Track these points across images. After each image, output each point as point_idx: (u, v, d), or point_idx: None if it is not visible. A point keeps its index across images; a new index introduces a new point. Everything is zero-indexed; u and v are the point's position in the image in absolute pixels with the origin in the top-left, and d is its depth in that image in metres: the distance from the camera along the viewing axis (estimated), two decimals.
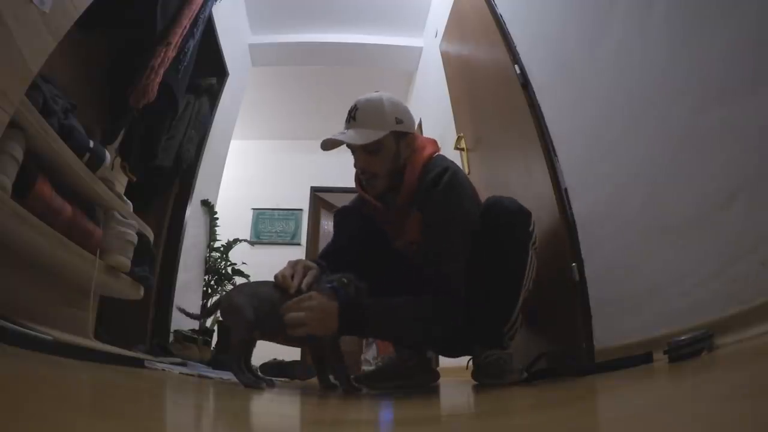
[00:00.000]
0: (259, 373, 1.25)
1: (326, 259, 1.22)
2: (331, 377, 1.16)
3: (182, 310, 1.22)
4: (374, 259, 1.19)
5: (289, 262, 1.14)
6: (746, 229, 0.74)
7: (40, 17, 0.92)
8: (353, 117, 1.18)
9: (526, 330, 1.26)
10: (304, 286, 1.06)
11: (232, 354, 1.06)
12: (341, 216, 1.35)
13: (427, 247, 1.14)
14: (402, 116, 1.19)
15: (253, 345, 1.11)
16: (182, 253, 2.68)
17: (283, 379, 1.81)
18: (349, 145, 1.18)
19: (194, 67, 2.19)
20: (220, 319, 1.18)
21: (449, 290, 1.05)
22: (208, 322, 3.02)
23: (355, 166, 1.22)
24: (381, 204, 1.23)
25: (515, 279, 1.11)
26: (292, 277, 1.08)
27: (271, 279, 1.12)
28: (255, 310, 1.04)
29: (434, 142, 1.27)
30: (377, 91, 1.22)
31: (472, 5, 2.23)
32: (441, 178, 1.12)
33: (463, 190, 1.14)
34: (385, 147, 1.17)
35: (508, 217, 1.11)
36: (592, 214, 1.26)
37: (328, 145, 1.19)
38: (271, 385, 1.09)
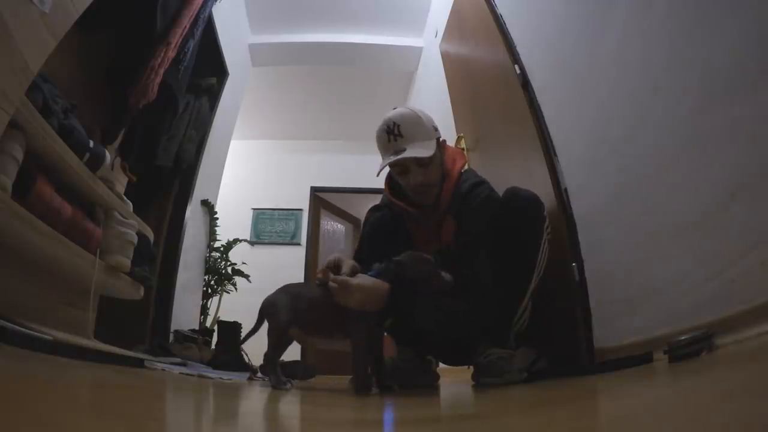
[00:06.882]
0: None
1: (357, 258, 1.25)
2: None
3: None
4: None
5: (327, 260, 1.17)
6: (746, 229, 0.74)
7: (40, 17, 0.92)
8: (399, 134, 1.17)
9: (528, 330, 1.26)
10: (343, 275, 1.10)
11: (268, 353, 1.10)
12: (372, 213, 1.38)
13: (460, 250, 1.17)
14: (435, 124, 1.24)
15: (289, 343, 1.15)
16: (182, 253, 2.68)
17: None
18: (397, 163, 1.17)
19: (194, 67, 2.19)
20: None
21: (481, 286, 1.09)
22: (208, 322, 3.03)
23: (411, 182, 1.20)
24: (413, 208, 1.26)
25: (529, 259, 1.15)
26: (332, 270, 1.11)
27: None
28: (294, 308, 1.08)
29: (462, 153, 1.34)
30: (395, 108, 1.23)
31: (472, 5, 2.23)
32: (477, 189, 1.19)
33: (496, 204, 1.20)
34: (435, 156, 1.19)
35: (525, 202, 1.18)
36: (592, 214, 1.26)
37: (393, 166, 1.19)
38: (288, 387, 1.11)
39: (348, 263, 1.12)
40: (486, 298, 1.09)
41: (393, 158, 1.16)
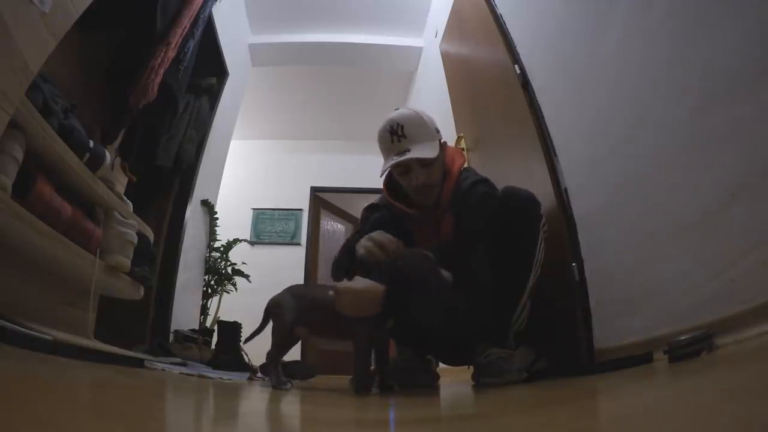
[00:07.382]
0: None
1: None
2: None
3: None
4: None
5: (368, 238, 1.15)
6: (747, 229, 0.74)
7: (40, 17, 0.92)
8: (403, 135, 1.17)
9: (527, 329, 1.26)
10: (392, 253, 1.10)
11: (272, 352, 1.11)
12: (369, 211, 1.38)
13: (458, 247, 1.17)
14: (436, 125, 1.24)
15: (294, 343, 1.17)
16: (182, 253, 2.68)
17: None
18: (399, 164, 1.17)
19: (194, 67, 2.19)
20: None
21: (479, 284, 1.10)
22: (208, 322, 3.03)
23: (413, 183, 1.20)
24: (412, 208, 1.26)
25: (527, 258, 1.15)
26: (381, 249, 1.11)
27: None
28: (299, 309, 1.10)
29: (461, 152, 1.34)
30: (397, 108, 1.23)
31: (472, 5, 2.23)
32: (476, 187, 1.19)
33: (495, 201, 1.20)
34: (437, 156, 1.19)
35: (523, 201, 1.19)
36: (592, 214, 1.26)
37: (396, 167, 1.19)
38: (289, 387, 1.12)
39: (392, 240, 1.11)
40: (484, 295, 1.09)
41: (398, 159, 1.16)
